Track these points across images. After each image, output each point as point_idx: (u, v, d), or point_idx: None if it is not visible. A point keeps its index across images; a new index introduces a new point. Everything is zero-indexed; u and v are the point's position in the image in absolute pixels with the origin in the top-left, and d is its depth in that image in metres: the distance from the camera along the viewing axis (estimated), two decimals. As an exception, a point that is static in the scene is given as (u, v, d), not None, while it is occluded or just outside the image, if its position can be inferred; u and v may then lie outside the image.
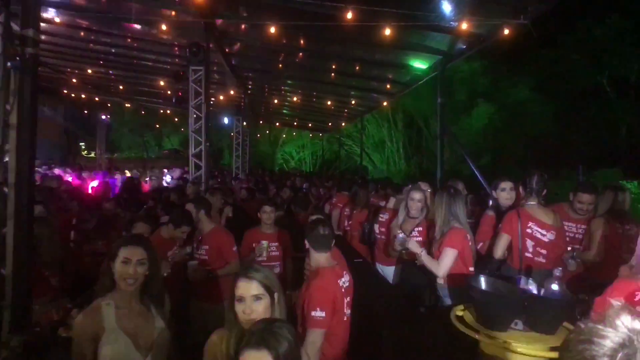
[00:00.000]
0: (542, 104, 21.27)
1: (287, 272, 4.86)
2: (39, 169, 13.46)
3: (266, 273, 2.15)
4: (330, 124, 21.20)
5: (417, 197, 4.47)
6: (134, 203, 7.26)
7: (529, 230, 3.85)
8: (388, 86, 11.58)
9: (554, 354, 2.37)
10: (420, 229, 4.45)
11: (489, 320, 2.73)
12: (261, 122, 24.90)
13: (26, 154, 3.07)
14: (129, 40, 10.72)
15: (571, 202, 4.43)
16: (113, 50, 12.02)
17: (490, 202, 4.65)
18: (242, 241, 4.72)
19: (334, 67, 10.97)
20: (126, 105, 22.73)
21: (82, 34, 10.71)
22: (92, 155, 27.90)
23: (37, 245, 3.23)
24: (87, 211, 5.93)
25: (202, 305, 4.28)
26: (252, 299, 2.06)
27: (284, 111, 19.84)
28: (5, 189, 3.04)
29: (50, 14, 9.14)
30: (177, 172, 15.63)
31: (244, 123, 18.45)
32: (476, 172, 7.41)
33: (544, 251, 3.84)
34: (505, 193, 4.37)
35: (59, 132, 24.72)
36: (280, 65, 11.60)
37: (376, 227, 5.38)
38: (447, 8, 6.10)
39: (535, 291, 2.88)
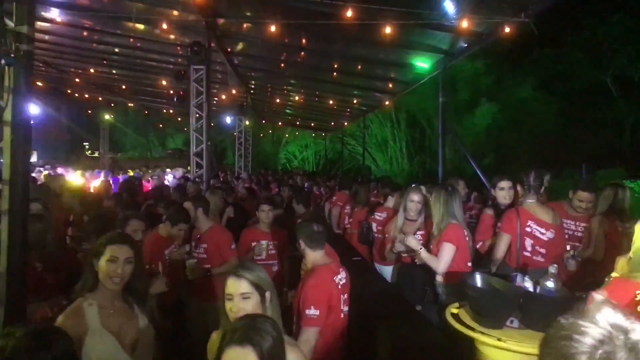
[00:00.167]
0: (546, 104, 21.18)
1: (284, 270, 4.85)
2: (41, 169, 13.56)
3: (257, 272, 2.15)
4: (333, 123, 21.15)
5: (415, 198, 4.42)
6: (133, 202, 7.24)
7: (528, 229, 3.80)
8: (390, 85, 11.52)
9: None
10: (423, 232, 4.39)
11: (484, 318, 2.71)
12: (264, 121, 24.87)
13: (20, 151, 3.07)
14: (132, 39, 10.77)
15: (570, 200, 4.40)
16: (116, 50, 12.08)
17: (489, 201, 4.63)
18: (240, 239, 4.71)
19: (336, 66, 10.97)
20: (129, 104, 22.80)
21: (85, 34, 10.79)
22: (96, 154, 27.98)
23: (32, 242, 3.22)
24: (87, 210, 5.93)
25: (201, 304, 4.28)
26: (240, 297, 2.07)
27: (287, 110, 19.81)
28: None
29: (53, 14, 9.19)
30: (179, 172, 15.64)
31: (247, 122, 18.47)
32: (478, 171, 7.39)
33: (543, 250, 3.79)
34: (504, 192, 4.33)
35: (62, 132, 24.83)
36: (283, 65, 11.61)
37: (374, 225, 5.36)
38: (449, 6, 6.08)
39: (531, 289, 2.86)
